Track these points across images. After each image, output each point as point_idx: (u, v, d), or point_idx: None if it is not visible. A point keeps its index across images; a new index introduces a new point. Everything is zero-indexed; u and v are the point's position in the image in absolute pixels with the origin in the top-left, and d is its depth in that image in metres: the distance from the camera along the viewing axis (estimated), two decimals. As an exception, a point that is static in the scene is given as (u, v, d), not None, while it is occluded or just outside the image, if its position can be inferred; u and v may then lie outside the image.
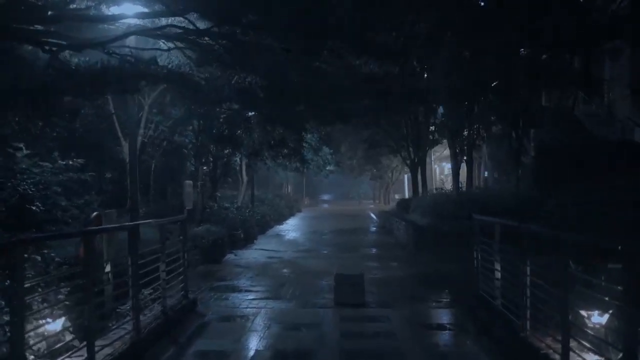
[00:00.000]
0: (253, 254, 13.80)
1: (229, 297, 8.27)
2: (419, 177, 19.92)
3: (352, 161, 41.29)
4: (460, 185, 23.59)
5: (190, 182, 12.61)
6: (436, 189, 21.26)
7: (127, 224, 7.25)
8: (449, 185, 29.83)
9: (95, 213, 6.73)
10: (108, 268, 5.55)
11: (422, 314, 7.28)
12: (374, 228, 21.81)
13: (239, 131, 14.22)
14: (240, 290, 8.77)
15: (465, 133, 16.59)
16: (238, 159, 21.67)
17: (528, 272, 5.39)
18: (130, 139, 8.51)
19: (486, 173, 24.92)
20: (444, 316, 7.25)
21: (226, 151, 15.80)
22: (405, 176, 48.78)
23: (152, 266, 6.19)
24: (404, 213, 18.81)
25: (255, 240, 16.85)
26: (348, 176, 54.12)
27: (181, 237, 7.40)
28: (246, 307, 7.57)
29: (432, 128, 20.54)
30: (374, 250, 14.28)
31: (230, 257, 13.31)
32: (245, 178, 24.23)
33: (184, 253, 7.31)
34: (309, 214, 34.07)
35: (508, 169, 19.19)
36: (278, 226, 23.18)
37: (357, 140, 38.68)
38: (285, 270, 10.91)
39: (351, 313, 7.21)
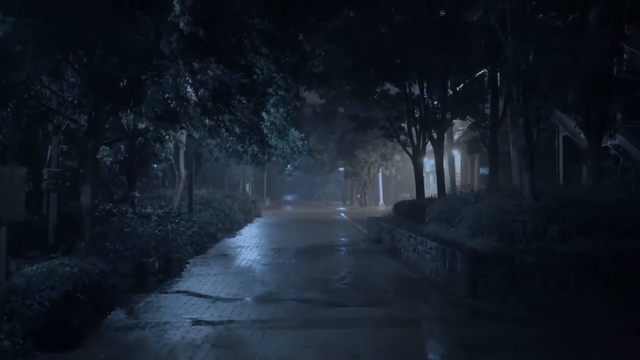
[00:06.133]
0: (167, 311, 7.19)
1: None
2: (434, 170, 13.67)
3: (323, 155, 34.88)
4: (450, 186, 17.95)
5: (21, 169, 5.84)
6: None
7: None
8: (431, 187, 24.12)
9: None
10: None
11: None
12: (365, 243, 15.29)
13: (145, 76, 7.52)
14: None
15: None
16: (171, 142, 15.19)
17: None
18: None
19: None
20: None
21: (130, 118, 9.02)
22: (380, 174, 42.61)
23: None
24: (415, 223, 12.54)
25: (182, 272, 10.16)
26: (314, 174, 47.73)
27: None
28: None
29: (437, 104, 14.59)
30: (391, 304, 7.70)
31: (116, 318, 6.67)
32: (183, 172, 17.51)
33: None
34: (270, 219, 27.31)
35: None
36: (228, 239, 16.44)
37: (327, 131, 32.38)
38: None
39: None
